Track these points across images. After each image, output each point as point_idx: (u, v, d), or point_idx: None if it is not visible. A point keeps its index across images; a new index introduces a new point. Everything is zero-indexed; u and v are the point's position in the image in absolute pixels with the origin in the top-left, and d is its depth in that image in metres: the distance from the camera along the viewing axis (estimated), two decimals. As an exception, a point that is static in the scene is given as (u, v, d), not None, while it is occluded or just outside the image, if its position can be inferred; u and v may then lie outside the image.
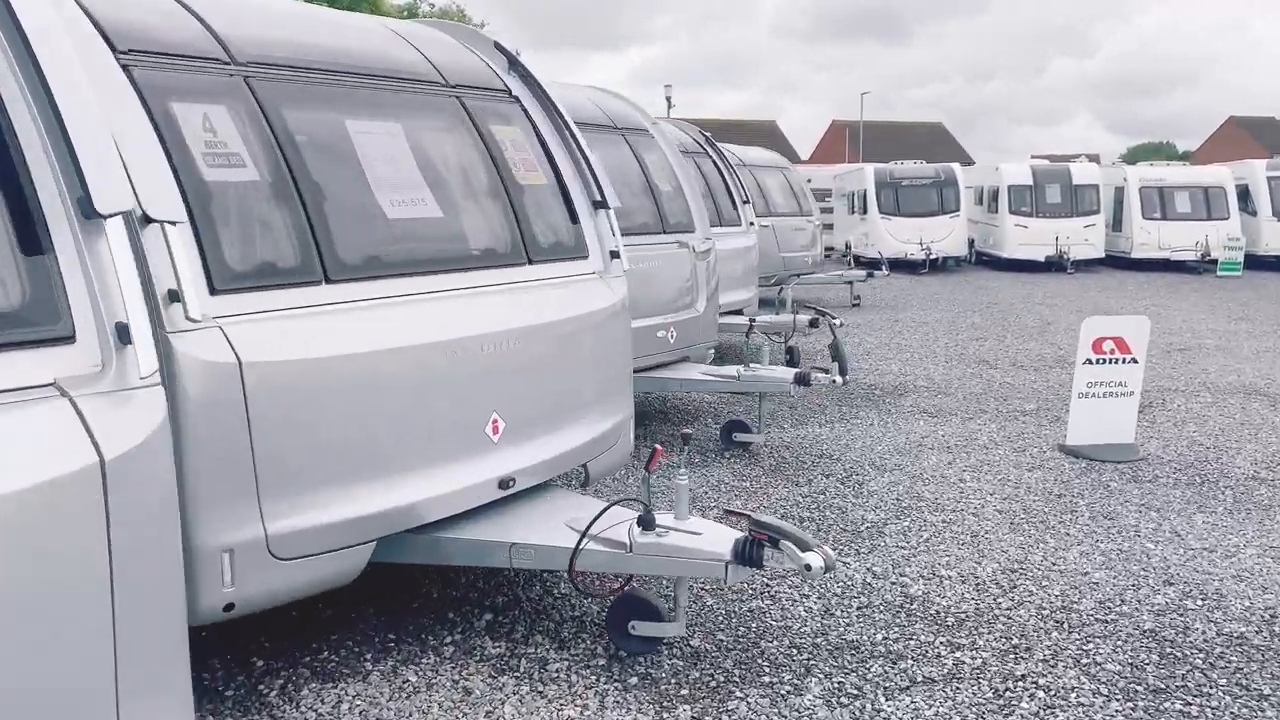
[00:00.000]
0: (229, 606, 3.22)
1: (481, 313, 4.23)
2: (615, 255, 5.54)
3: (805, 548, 3.58)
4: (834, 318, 10.24)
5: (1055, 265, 24.20)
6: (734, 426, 7.23)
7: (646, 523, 3.83)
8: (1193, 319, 15.08)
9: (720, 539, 3.78)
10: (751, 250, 11.86)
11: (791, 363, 10.62)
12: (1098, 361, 7.04)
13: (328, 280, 3.60)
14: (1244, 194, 25.31)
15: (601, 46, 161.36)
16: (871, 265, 24.69)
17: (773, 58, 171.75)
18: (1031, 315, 15.57)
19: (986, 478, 6.52)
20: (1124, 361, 7.05)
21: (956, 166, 25.91)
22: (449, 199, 4.39)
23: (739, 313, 11.57)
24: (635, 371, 5.51)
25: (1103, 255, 24.82)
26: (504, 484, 4.09)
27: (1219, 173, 25.57)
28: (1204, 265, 24.14)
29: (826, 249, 30.86)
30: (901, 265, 24.43)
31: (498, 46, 5.24)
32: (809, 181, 33.29)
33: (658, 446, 4.08)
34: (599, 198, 5.55)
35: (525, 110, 5.23)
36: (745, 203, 12.12)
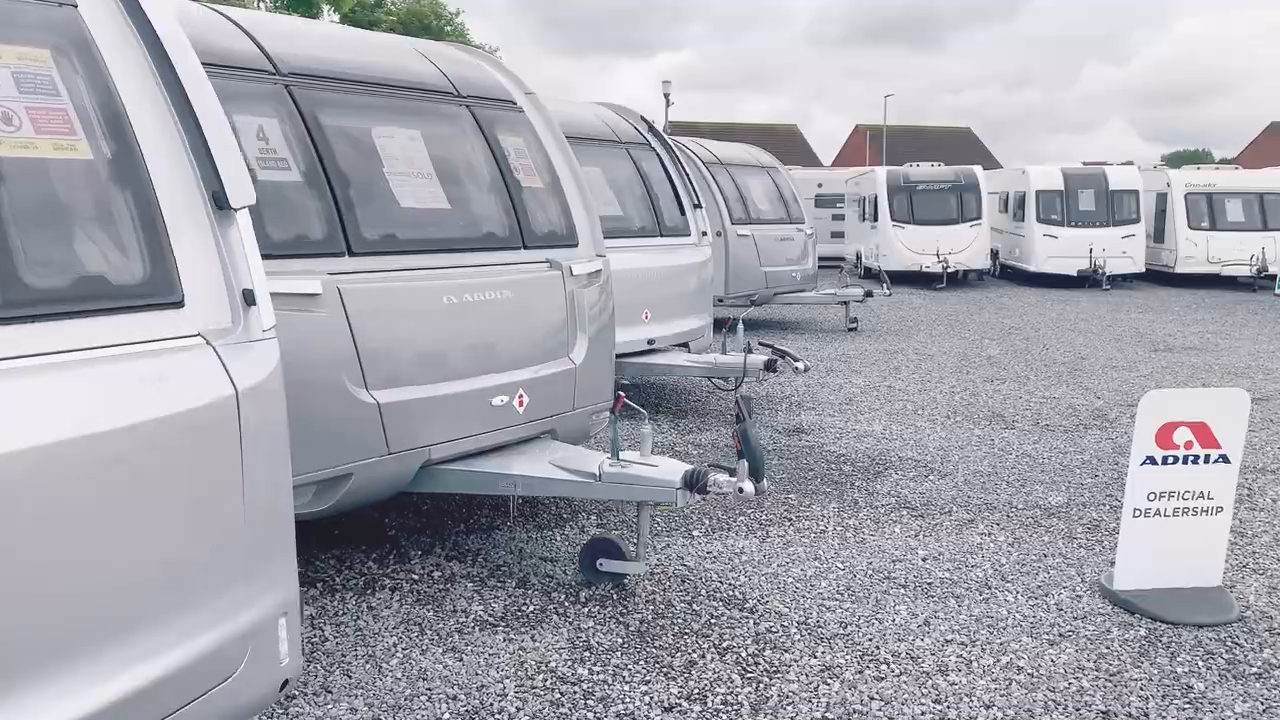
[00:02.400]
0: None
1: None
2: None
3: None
4: (795, 360, 7.71)
5: (1089, 281, 21.45)
6: (600, 549, 4.69)
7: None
8: (1261, 353, 12.36)
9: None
10: (702, 267, 9.32)
11: (740, 419, 8.06)
12: (1166, 460, 4.45)
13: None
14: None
15: (631, 52, 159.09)
16: (874, 279, 22.11)
17: (803, 64, 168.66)
18: (1061, 346, 12.91)
19: (982, 663, 3.96)
20: (1208, 460, 4.46)
21: (978, 169, 23.25)
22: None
23: (686, 346, 9.06)
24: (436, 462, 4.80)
25: (1143, 270, 22.06)
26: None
27: (1276, 177, 22.72)
28: (1259, 281, 21.31)
29: (837, 260, 28.40)
30: (917, 279, 21.80)
31: None
32: (820, 186, 31.10)
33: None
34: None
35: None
36: (697, 207, 9.57)
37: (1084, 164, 24.23)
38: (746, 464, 4.35)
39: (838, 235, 29.23)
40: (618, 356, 8.41)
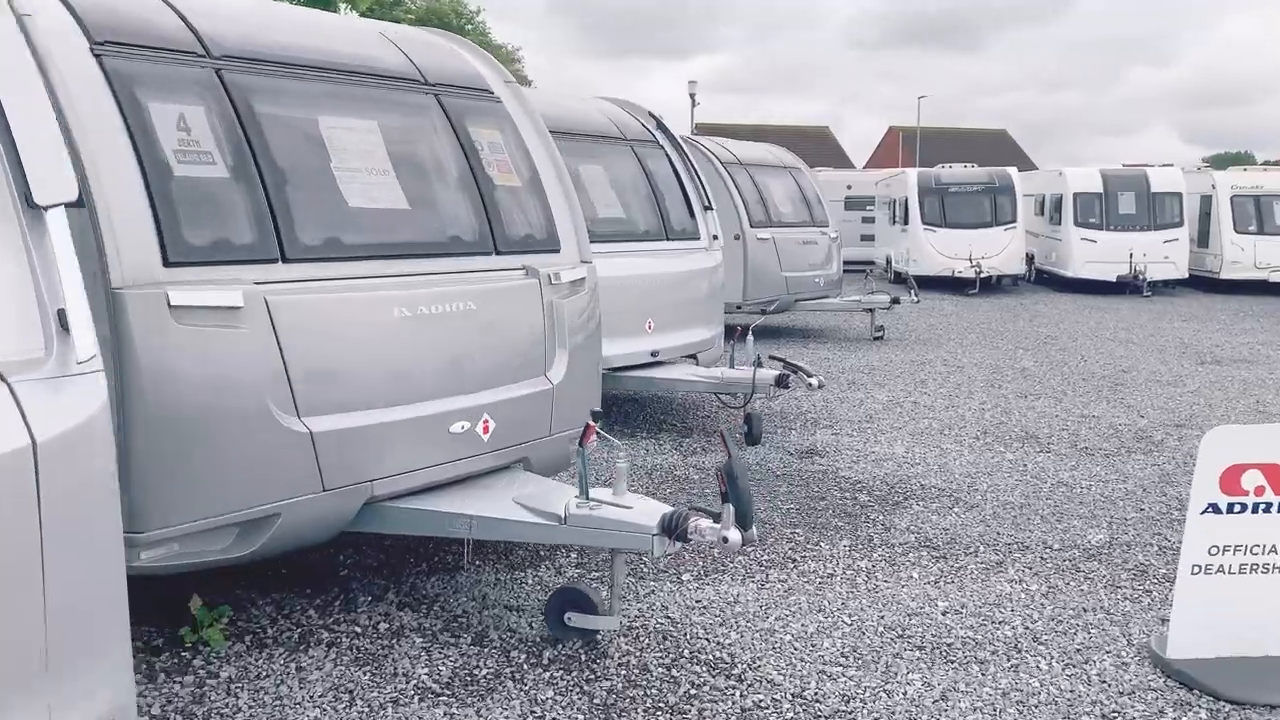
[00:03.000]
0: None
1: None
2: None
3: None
4: (809, 375, 7.05)
5: (1129, 287, 20.57)
6: (568, 600, 4.07)
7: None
8: (1315, 366, 11.54)
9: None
10: (712, 274, 8.68)
11: (751, 437, 7.42)
12: (1232, 509, 3.77)
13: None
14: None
15: (667, 55, 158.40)
16: (905, 284, 21.33)
17: (839, 67, 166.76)
18: (1100, 357, 12.14)
19: (1011, 753, 3.30)
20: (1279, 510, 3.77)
21: (1013, 171, 22.42)
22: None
23: (694, 358, 8.43)
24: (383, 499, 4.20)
25: (1186, 275, 21.14)
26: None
27: (1328, 179, 21.73)
28: (1310, 289, 20.35)
29: (866, 264, 27.62)
30: (948, 284, 21.02)
31: None
32: (849, 188, 30.32)
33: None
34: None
35: None
36: (708, 209, 8.93)
37: (1124, 165, 23.32)
38: (732, 509, 3.71)
39: (868, 239, 28.47)
40: (617, 370, 7.83)
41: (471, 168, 4.97)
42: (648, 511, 3.92)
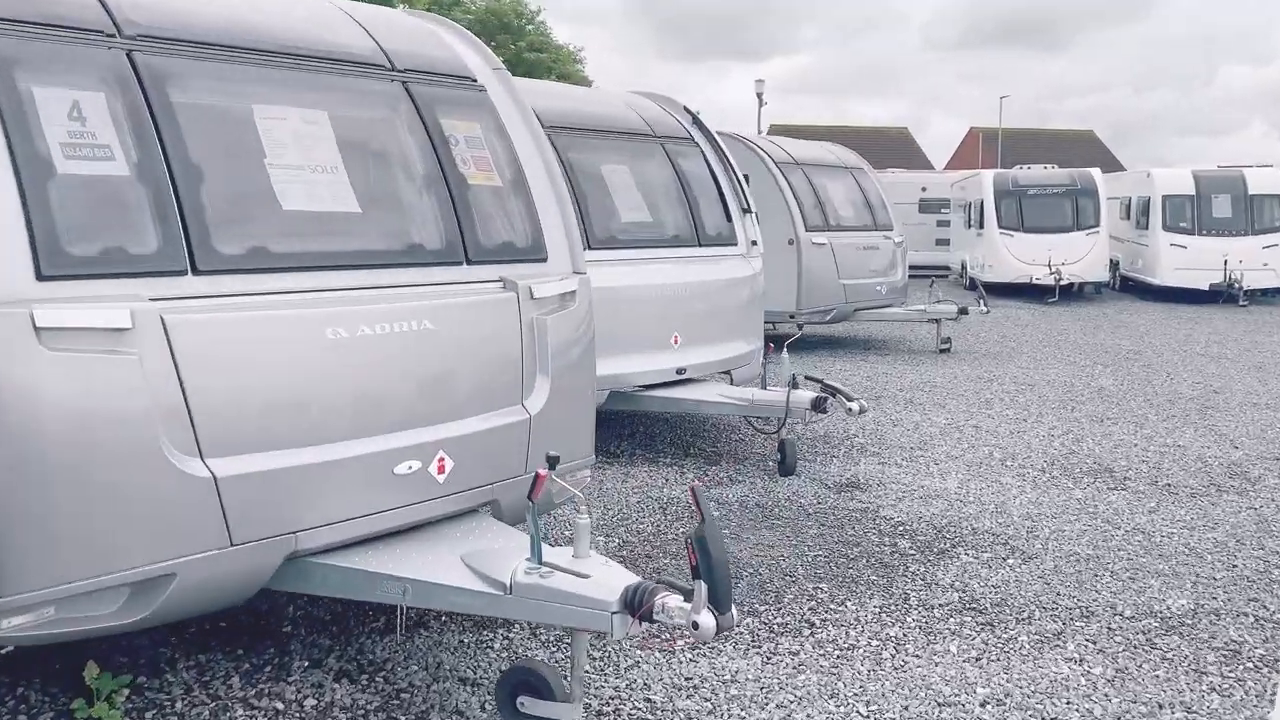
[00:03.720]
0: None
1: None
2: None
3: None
4: (850, 399, 6.29)
5: (1222, 296, 19.19)
6: (522, 681, 3.38)
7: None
8: None
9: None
10: (749, 283, 7.94)
11: (784, 467, 6.67)
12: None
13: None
14: None
15: (745, 57, 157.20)
16: (979, 296, 20.22)
17: (920, 68, 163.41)
18: (1188, 376, 11.07)
19: None
20: None
21: (1096, 172, 21.18)
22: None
23: (729, 375, 7.71)
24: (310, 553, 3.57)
25: (1286, 284, 19.68)
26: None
27: None
28: None
29: (941, 270, 26.52)
30: (1026, 292, 19.91)
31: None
32: (924, 190, 29.19)
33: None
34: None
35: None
36: (747, 212, 8.20)
37: (1219, 166, 21.85)
38: (705, 586, 2.99)
39: (942, 243, 27.39)
40: (641, 389, 7.15)
41: (441, 165, 4.33)
42: (609, 583, 3.21)
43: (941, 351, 12.68)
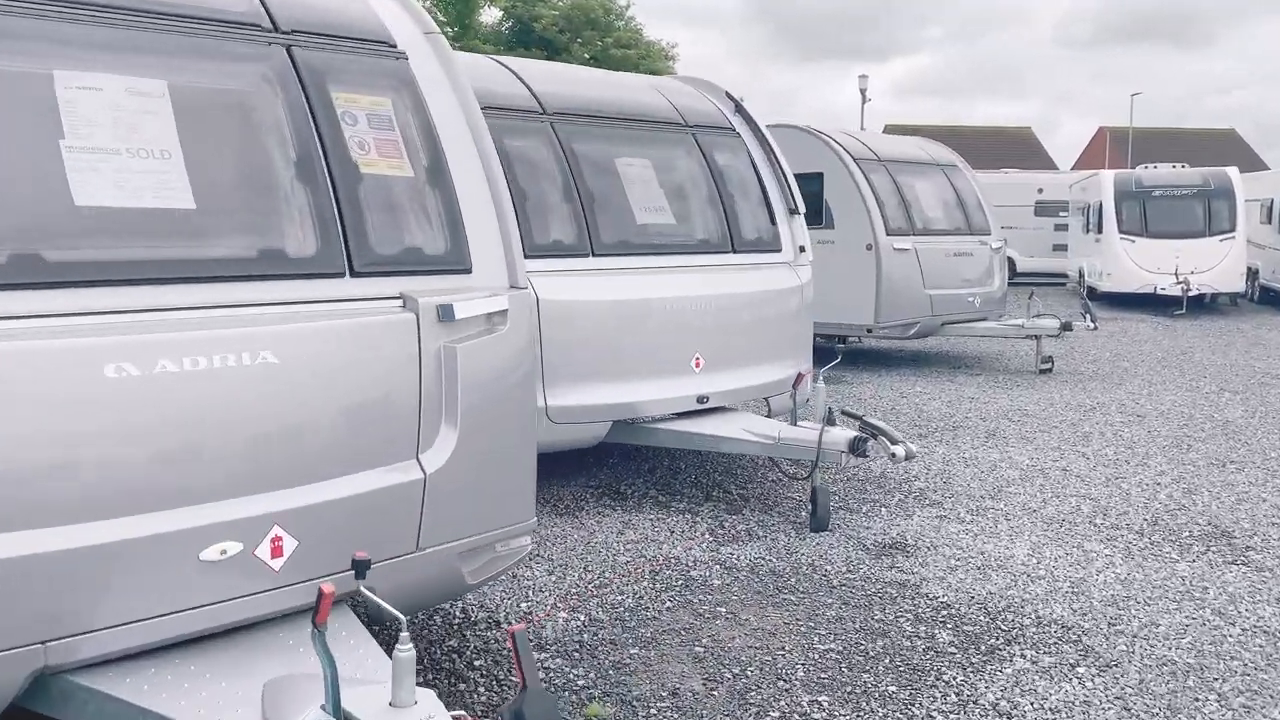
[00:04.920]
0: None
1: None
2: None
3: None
4: (893, 441, 5.14)
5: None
6: None
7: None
8: None
9: None
10: (795, 295, 6.83)
11: (816, 521, 5.53)
12: None
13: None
14: None
15: (865, 58, 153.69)
16: (1101, 299, 18.49)
17: (1049, 66, 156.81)
18: (1337, 406, 9.42)
19: None
20: None
21: (1233, 171, 19.16)
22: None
23: (767, 403, 6.63)
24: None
25: None
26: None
27: None
28: None
29: (1058, 277, 24.67)
30: (1149, 303, 18.11)
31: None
32: (1040, 191, 27.27)
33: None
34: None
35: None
36: (794, 214, 7.07)
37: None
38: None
39: (1060, 248, 25.55)
40: (649, 421, 6.12)
41: (325, 149, 3.39)
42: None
43: (1042, 372, 11.23)
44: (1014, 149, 54.96)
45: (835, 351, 6.02)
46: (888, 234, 10.98)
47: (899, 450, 5.24)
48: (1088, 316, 11.19)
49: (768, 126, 7.44)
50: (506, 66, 6.35)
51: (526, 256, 5.61)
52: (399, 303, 3.41)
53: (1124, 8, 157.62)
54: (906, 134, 18.49)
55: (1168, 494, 6.35)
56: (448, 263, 3.62)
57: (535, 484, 3.81)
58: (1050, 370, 11.27)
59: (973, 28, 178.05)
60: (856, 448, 5.36)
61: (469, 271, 3.66)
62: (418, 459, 3.34)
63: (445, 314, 3.44)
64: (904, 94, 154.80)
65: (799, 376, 5.67)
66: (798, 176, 11.57)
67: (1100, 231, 19.73)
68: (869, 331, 11.07)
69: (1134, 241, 18.95)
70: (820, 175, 11.27)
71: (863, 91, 28.66)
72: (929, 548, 5.27)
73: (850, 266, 11.06)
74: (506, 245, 3.81)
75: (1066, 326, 11.06)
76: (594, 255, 5.92)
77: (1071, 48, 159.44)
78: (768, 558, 5.10)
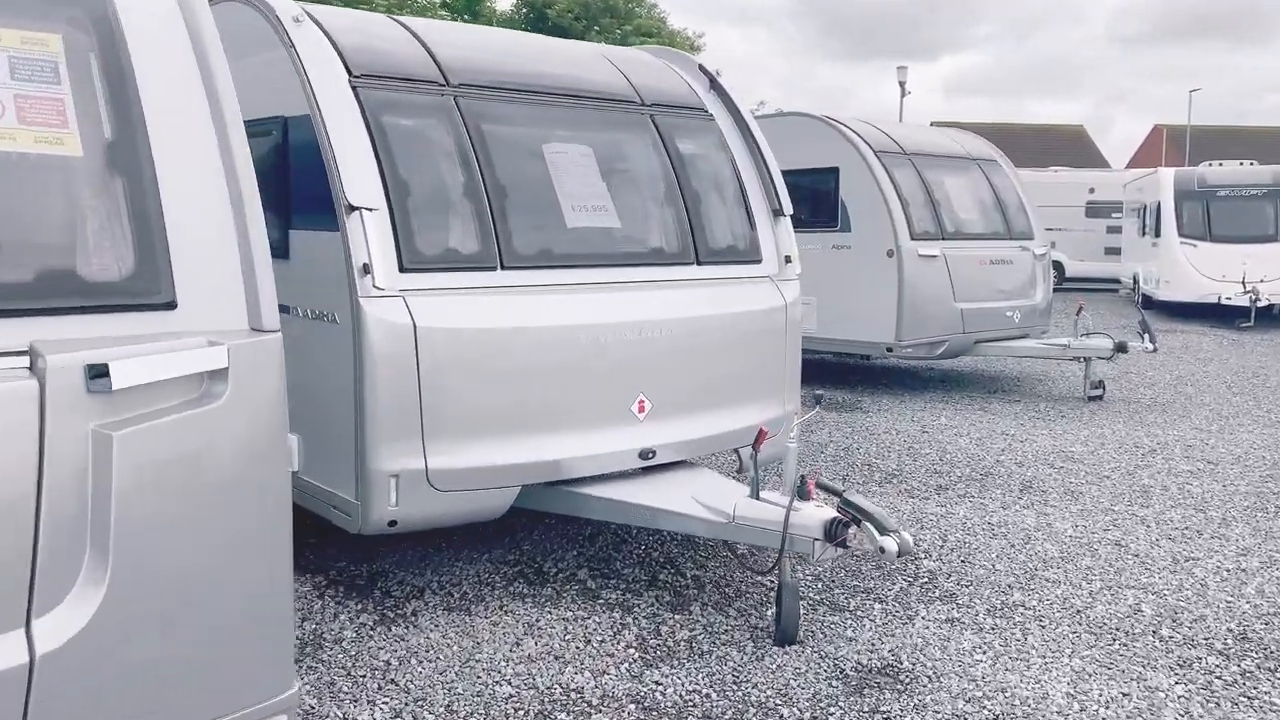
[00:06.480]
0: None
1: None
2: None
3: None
4: (882, 530, 3.73)
5: None
6: None
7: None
8: None
9: None
10: (776, 316, 5.42)
11: (781, 632, 4.12)
12: None
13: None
14: None
15: (914, 56, 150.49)
16: (1157, 309, 16.86)
17: (1103, 64, 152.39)
18: None
19: None
20: None
21: (1309, 169, 17.35)
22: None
23: (738, 456, 5.25)
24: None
25: None
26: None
27: None
28: None
29: (1111, 283, 22.97)
30: (1212, 314, 16.43)
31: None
32: (1091, 191, 25.48)
33: None
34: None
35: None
36: (779, 215, 5.66)
37: None
38: None
39: (1112, 252, 23.85)
40: (571, 485, 4.74)
41: None
42: None
43: (1091, 399, 9.69)
44: (1065, 147, 53.07)
45: (815, 400, 4.55)
46: (912, 238, 9.50)
47: (889, 544, 3.79)
48: (1146, 336, 9.61)
49: (777, 114, 6.09)
50: (403, 25, 5.00)
51: (405, 270, 4.32)
52: (22, 360, 2.08)
53: (1180, 4, 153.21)
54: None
55: (1258, 586, 4.85)
56: (130, 293, 2.29)
57: (292, 636, 2.46)
58: (1101, 397, 9.72)
59: (1024, 25, 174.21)
60: (833, 534, 3.94)
61: (170, 307, 2.32)
62: (26, 631, 2.00)
63: (97, 380, 2.10)
64: (953, 92, 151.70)
65: (760, 434, 4.25)
66: (809, 171, 10.23)
67: (1158, 235, 18.05)
68: (889, 351, 9.60)
69: (1196, 246, 17.28)
70: (835, 170, 9.82)
71: (902, 84, 26.95)
72: (930, 678, 3.84)
73: (868, 276, 9.61)
74: (248, 268, 2.45)
75: (1121, 348, 9.49)
76: (503, 269, 4.56)
77: (1126, 45, 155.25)
78: (706, 693, 3.70)
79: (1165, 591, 4.75)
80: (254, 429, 2.36)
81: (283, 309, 4.66)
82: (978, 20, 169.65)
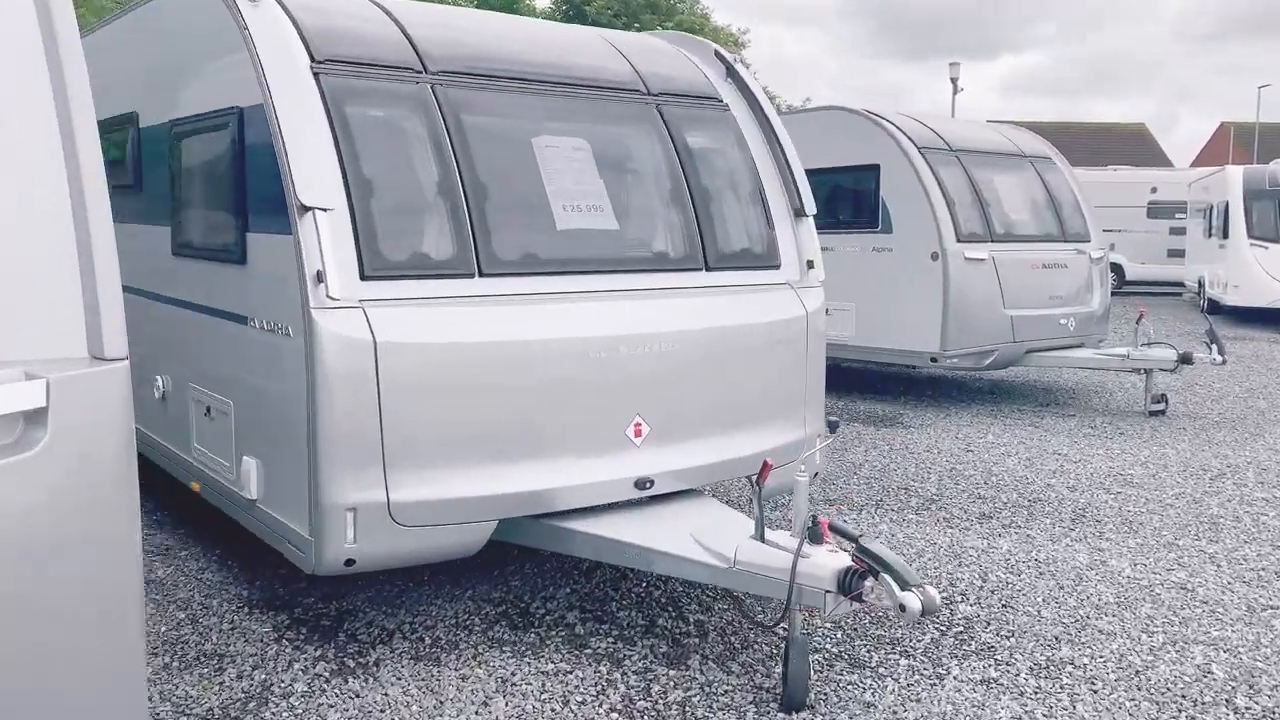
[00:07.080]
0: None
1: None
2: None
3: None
4: (905, 585, 3.16)
5: None
6: None
7: None
8: None
9: None
10: (796, 327, 4.89)
11: (788, 693, 3.59)
12: None
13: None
14: None
15: (972, 56, 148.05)
16: (1225, 314, 16.01)
17: (1168, 63, 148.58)
18: None
19: None
20: None
21: (1390, 166, 16.34)
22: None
23: (751, 482, 4.69)
24: None
25: None
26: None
27: None
28: None
29: (1174, 287, 22.03)
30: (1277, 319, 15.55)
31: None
32: (1153, 191, 24.44)
33: None
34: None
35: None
36: (800, 216, 5.12)
37: None
38: None
39: (1176, 254, 22.87)
40: (555, 519, 4.25)
41: None
42: None
43: (1152, 414, 8.98)
44: (1126, 147, 51.68)
45: (830, 427, 4.01)
46: (959, 240, 8.88)
47: (911, 600, 3.23)
48: (1213, 345, 8.88)
49: (814, 109, 5.56)
50: (380, 5, 4.54)
51: (366, 278, 3.86)
52: None
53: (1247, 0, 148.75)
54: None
55: (1348, 644, 4.21)
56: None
57: (143, 736, 1.98)
58: (1163, 413, 9.01)
59: (1086, 24, 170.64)
60: (847, 586, 3.39)
61: (-21, 335, 1.85)
62: None
63: None
64: (1012, 92, 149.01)
65: (764, 466, 3.72)
66: (848, 169, 9.64)
67: (1225, 236, 17.17)
68: (934, 361, 8.97)
69: (1266, 248, 16.44)
70: (876, 168, 9.23)
71: (954, 81, 26.09)
72: (959, 758, 3.28)
73: (911, 280, 9.02)
74: (86, 283, 1.99)
75: (1185, 359, 8.77)
76: (480, 276, 4.08)
77: (1191, 43, 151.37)
78: (692, 770, 3.18)
79: (1240, 648, 4.13)
80: (84, 481, 1.89)
81: (240, 320, 4.25)
82: (1039, 19, 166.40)
